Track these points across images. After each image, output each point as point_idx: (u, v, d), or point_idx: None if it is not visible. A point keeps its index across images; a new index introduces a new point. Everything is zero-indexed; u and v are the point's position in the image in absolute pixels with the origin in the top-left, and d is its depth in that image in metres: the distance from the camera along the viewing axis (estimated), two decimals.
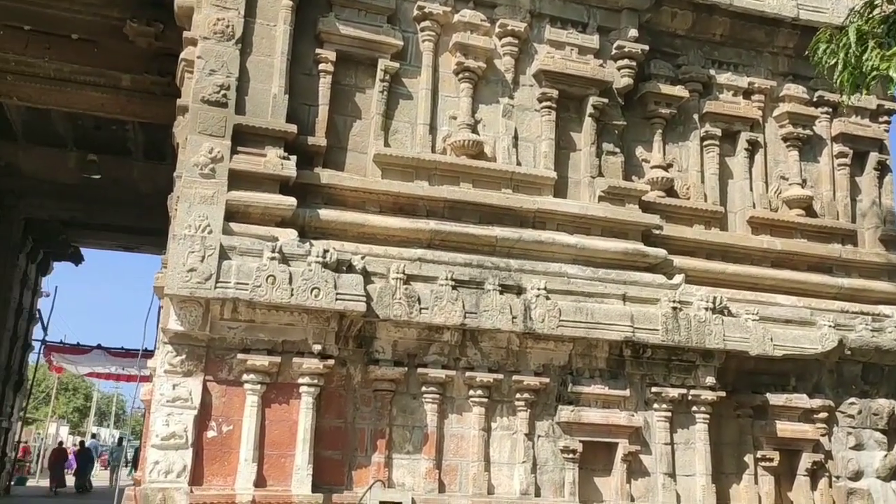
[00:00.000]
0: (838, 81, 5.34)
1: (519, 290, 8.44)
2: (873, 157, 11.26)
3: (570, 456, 8.28)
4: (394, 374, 7.90)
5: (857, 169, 11.26)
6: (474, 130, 9.41)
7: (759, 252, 10.40)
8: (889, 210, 11.20)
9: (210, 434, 7.10)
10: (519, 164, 9.52)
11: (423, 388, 8.03)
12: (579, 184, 9.84)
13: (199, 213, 7.41)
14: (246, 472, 7.02)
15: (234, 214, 7.90)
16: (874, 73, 4.93)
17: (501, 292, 8.27)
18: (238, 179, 8.01)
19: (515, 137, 9.61)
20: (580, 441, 8.32)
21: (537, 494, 8.10)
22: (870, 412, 9.70)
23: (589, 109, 9.84)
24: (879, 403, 9.76)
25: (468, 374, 8.13)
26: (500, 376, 8.21)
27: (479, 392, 8.14)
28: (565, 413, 8.34)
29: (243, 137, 8.22)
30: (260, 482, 7.12)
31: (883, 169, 11.33)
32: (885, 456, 9.66)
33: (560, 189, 9.69)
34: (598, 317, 8.44)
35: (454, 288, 8.10)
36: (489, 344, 8.25)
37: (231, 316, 7.29)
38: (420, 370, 8.01)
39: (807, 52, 7.22)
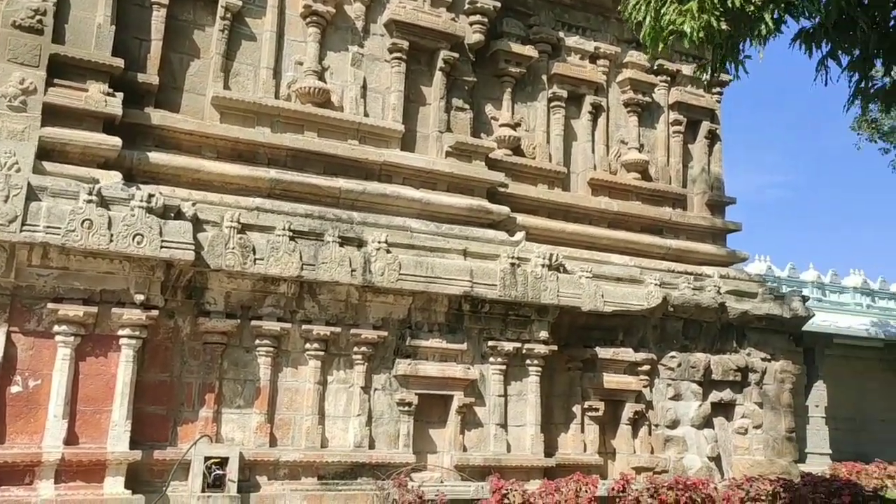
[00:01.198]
0: (643, 37, 5.45)
1: (360, 243, 8.33)
2: (705, 126, 11.93)
3: (406, 408, 8.35)
4: (225, 327, 7.61)
5: (690, 137, 11.90)
6: (321, 78, 9.12)
7: (597, 213, 10.81)
8: (717, 177, 11.94)
9: (14, 389, 6.57)
10: (367, 115, 9.33)
11: (257, 341, 7.80)
12: (427, 138, 9.80)
13: (6, 149, 6.74)
14: (55, 429, 6.57)
15: (49, 153, 7.27)
16: (671, 27, 5.06)
17: (342, 244, 8.12)
18: (55, 115, 7.36)
19: (364, 88, 9.40)
20: (416, 394, 8.40)
21: (372, 447, 8.13)
22: (688, 365, 10.40)
23: (440, 63, 9.77)
24: (697, 357, 10.48)
25: (305, 327, 7.97)
26: (339, 330, 8.11)
27: (316, 345, 8.01)
28: (403, 366, 8.38)
29: (62, 69, 7.54)
30: (71, 439, 6.68)
31: (713, 138, 12.03)
32: (700, 406, 10.42)
33: (408, 143, 9.62)
34: (438, 271, 8.49)
35: (292, 239, 7.87)
36: (328, 297, 8.11)
37: (41, 262, 6.72)
38: (254, 323, 7.77)
39: (619, 7, 7.33)
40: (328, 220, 8.39)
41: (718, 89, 12.06)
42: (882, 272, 21.95)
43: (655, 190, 11.28)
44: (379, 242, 8.26)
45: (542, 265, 9.06)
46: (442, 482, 8.26)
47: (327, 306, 8.13)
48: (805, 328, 18.18)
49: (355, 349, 8.21)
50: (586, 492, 8.11)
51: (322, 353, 8.05)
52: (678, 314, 10.34)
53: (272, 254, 7.68)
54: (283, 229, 7.83)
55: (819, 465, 17.58)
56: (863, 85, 4.57)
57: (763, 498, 9.07)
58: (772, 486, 9.26)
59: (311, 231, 8.10)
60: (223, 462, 7.23)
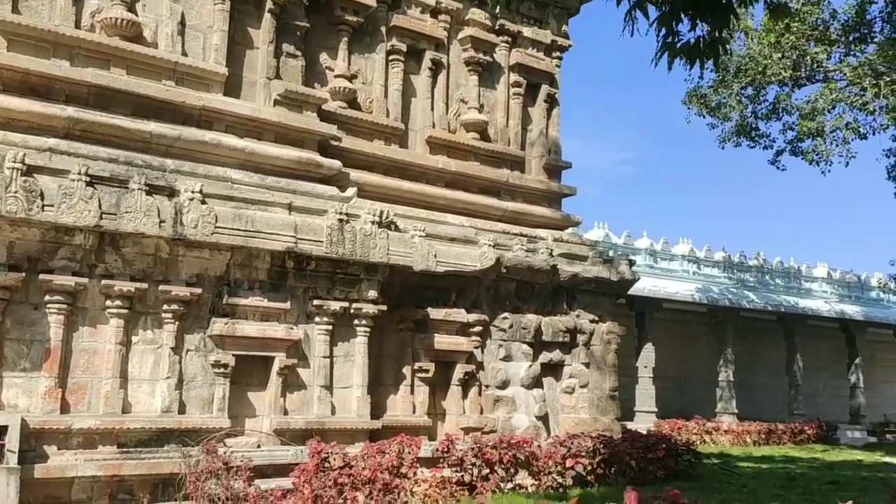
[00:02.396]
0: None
1: (172, 193, 7.65)
2: (545, 89, 11.97)
3: (222, 370, 7.83)
4: (7, 281, 6.76)
5: (529, 99, 11.91)
6: (131, 9, 8.26)
7: (435, 171, 10.61)
8: (554, 141, 12.05)
9: None
10: (185, 54, 8.58)
11: (48, 298, 7.00)
12: (255, 85, 9.17)
13: None
14: None
15: None
16: None
17: (149, 193, 7.42)
18: None
19: (182, 24, 8.63)
20: (234, 355, 7.89)
21: (182, 411, 7.56)
22: (519, 326, 10.49)
23: (269, 4, 9.14)
24: (528, 318, 10.58)
25: (106, 282, 7.24)
26: (145, 286, 7.44)
27: (119, 303, 7.30)
28: (218, 326, 7.83)
29: None
30: None
31: (552, 102, 12.11)
32: (530, 366, 10.55)
33: (232, 88, 8.95)
34: (259, 225, 7.96)
35: (91, 185, 7.09)
36: (133, 250, 7.40)
37: None
38: (43, 277, 6.95)
39: None
40: (135, 167, 7.64)
41: (558, 54, 12.13)
42: (709, 241, 23.39)
43: (494, 151, 11.21)
44: (192, 192, 7.61)
45: (372, 222, 8.74)
46: (259, 447, 7.84)
47: (132, 260, 7.42)
48: (636, 293, 19.11)
49: (165, 307, 7.57)
50: (409, 453, 7.95)
51: (126, 311, 7.35)
52: (511, 276, 10.37)
53: (65, 200, 6.88)
54: (80, 174, 7.03)
55: (646, 422, 18.62)
56: (669, 40, 4.53)
57: (584, 454, 9.30)
58: (592, 443, 9.53)
59: (114, 177, 7.34)
60: (2, 431, 6.45)
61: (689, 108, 16.34)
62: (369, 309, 8.79)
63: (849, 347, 23.75)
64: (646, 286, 19.43)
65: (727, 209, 72.21)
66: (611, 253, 13.44)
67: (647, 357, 19.48)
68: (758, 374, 24.35)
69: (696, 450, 11.01)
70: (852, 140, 15.63)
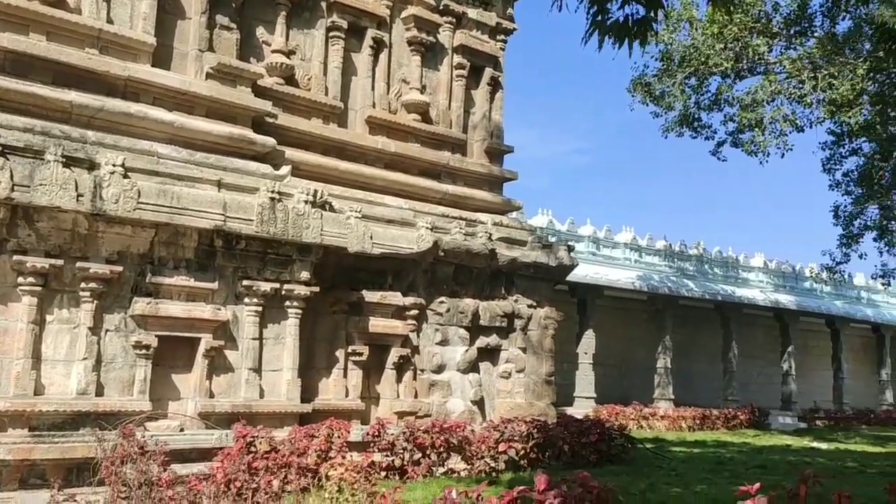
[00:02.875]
0: None
1: (92, 166, 7.32)
2: (488, 72, 11.85)
3: (144, 352, 7.56)
4: None
5: (472, 82, 11.77)
6: None
7: (374, 152, 10.41)
8: (497, 125, 11.95)
9: None
10: (111, 21, 8.20)
11: None
12: (186, 57, 8.84)
13: None
14: None
15: None
16: None
17: (67, 165, 7.08)
18: None
19: None
20: (157, 336, 7.63)
21: (100, 394, 7.28)
22: (457, 310, 10.40)
23: None
24: (466, 303, 10.51)
25: (18, 258, 6.90)
26: (61, 262, 7.12)
27: (32, 280, 6.97)
28: (141, 305, 7.55)
29: None
30: None
31: (496, 85, 12.00)
32: (466, 351, 10.49)
33: (162, 59, 8.61)
34: (186, 202, 7.68)
35: (2, 154, 6.72)
36: (48, 224, 7.06)
37: None
38: None
39: None
40: (53, 137, 7.27)
41: (503, 37, 12.01)
42: (652, 230, 23.71)
43: (435, 133, 11.06)
44: (114, 166, 7.30)
45: (306, 201, 8.53)
46: (182, 431, 7.60)
47: (48, 236, 7.08)
48: (578, 280, 19.25)
49: (83, 285, 7.26)
50: (339, 437, 7.81)
51: (40, 288, 7.03)
52: (449, 259, 10.26)
53: None
54: None
55: (585, 407, 18.83)
56: (599, 18, 4.44)
57: (517, 438, 9.28)
58: (526, 427, 9.51)
59: (28, 147, 6.98)
60: None
61: (633, 96, 16.43)
62: (301, 290, 8.59)
63: (782, 336, 24.38)
64: (588, 273, 19.58)
65: (671, 199, 73.72)
66: (554, 240, 13.44)
67: (588, 343, 19.66)
68: (695, 362, 24.86)
69: (629, 434, 11.11)
70: (790, 132, 15.93)
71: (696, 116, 16.86)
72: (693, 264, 23.13)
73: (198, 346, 7.94)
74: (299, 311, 8.64)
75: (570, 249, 11.86)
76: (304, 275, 8.59)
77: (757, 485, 3.45)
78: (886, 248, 16.54)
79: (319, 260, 8.80)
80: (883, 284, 16.85)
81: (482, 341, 10.73)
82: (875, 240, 16.70)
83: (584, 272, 19.43)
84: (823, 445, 15.48)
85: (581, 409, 18.28)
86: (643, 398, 20.92)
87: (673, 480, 8.88)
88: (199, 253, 8.02)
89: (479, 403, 10.57)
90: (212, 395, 7.97)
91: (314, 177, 9.56)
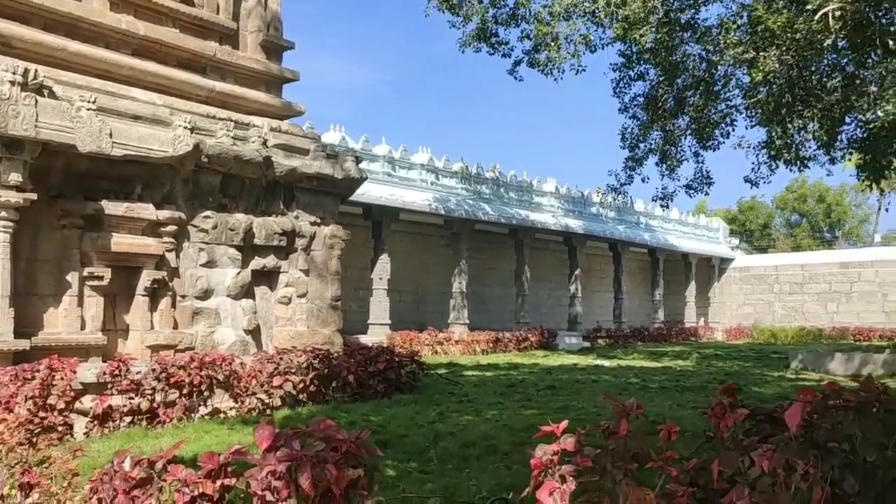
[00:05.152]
0: None
1: None
2: None
3: None
4: None
5: None
6: None
7: (117, 34, 8.52)
8: (275, 15, 10.37)
9: None
10: None
11: None
12: None
13: None
14: None
15: None
16: None
17: None
18: None
19: None
20: None
21: None
22: (226, 227, 8.97)
23: None
24: (237, 218, 9.09)
25: None
26: None
27: None
28: None
29: None
30: None
31: None
32: (238, 273, 9.13)
33: None
34: None
35: None
36: None
37: None
38: None
39: None
40: None
41: None
42: (451, 152, 23.14)
43: (198, 18, 9.31)
44: None
45: (12, 83, 6.62)
46: None
47: None
48: (373, 202, 18.25)
49: None
50: (62, 379, 6.25)
51: None
52: (215, 167, 8.75)
53: None
54: None
55: (380, 335, 18.09)
56: None
57: (295, 371, 8.17)
58: (306, 358, 8.43)
59: None
60: None
61: (429, 1, 15.36)
62: (12, 197, 6.76)
63: (570, 260, 25.12)
64: (383, 195, 18.63)
65: (469, 120, 74.75)
66: (329, 144, 12.20)
67: (383, 268, 18.84)
68: (490, 286, 25.03)
69: (420, 361, 10.40)
70: (584, 52, 15.68)
71: (494, 31, 16.12)
72: (489, 187, 22.95)
73: None
74: (11, 224, 6.83)
75: (359, 161, 10.71)
76: (15, 177, 6.76)
77: (564, 423, 2.59)
78: (667, 171, 17.01)
79: (39, 161, 6.99)
80: (662, 206, 17.37)
81: (257, 262, 9.41)
82: (657, 164, 17.11)
83: (378, 193, 18.46)
84: (606, 363, 15.92)
85: (375, 336, 17.53)
86: (439, 323, 20.63)
87: (464, 408, 8.24)
88: None
89: (255, 333, 9.32)
90: None
91: (34, 58, 7.61)
